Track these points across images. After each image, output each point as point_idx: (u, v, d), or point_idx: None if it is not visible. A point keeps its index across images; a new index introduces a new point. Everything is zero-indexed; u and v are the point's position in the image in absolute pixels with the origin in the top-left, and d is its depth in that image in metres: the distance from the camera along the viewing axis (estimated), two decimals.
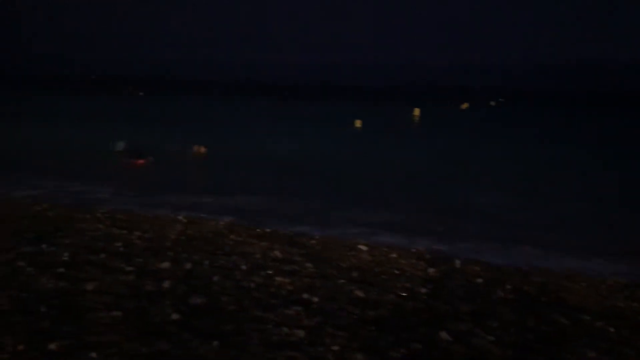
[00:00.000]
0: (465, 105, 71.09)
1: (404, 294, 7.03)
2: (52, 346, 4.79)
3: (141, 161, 20.45)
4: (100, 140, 25.45)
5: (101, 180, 16.82)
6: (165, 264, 7.60)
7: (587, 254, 10.56)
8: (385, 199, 15.78)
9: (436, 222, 12.76)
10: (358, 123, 40.76)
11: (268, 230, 10.82)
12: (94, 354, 4.70)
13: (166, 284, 6.74)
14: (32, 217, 10.33)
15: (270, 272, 7.64)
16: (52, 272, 6.93)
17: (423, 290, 7.34)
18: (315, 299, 6.62)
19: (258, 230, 10.70)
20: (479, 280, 7.98)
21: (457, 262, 8.91)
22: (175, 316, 5.67)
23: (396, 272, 8.20)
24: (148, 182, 17.45)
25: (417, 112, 59.88)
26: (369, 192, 16.86)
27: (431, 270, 8.35)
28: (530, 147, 30.96)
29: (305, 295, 6.71)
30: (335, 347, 5.21)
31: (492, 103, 78.15)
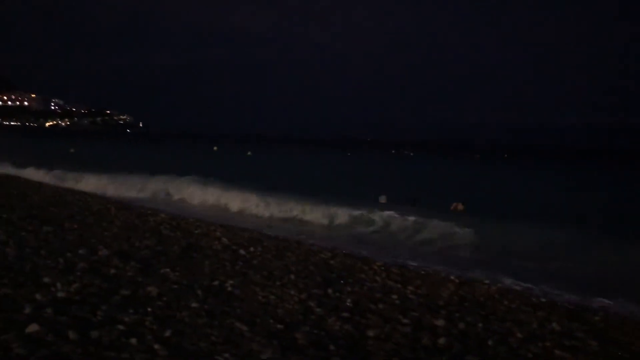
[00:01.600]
0: None
1: None
2: None
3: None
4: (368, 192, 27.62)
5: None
6: (440, 321, 7.74)
7: None
8: None
9: None
10: None
11: (544, 300, 10.24)
12: None
13: (442, 341, 6.86)
14: (317, 264, 11.45)
15: (548, 344, 7.23)
16: (338, 315, 7.61)
17: None
18: None
19: (533, 299, 10.21)
20: None
21: None
22: None
23: None
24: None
25: None
26: None
27: None
28: None
29: None
30: None
31: None
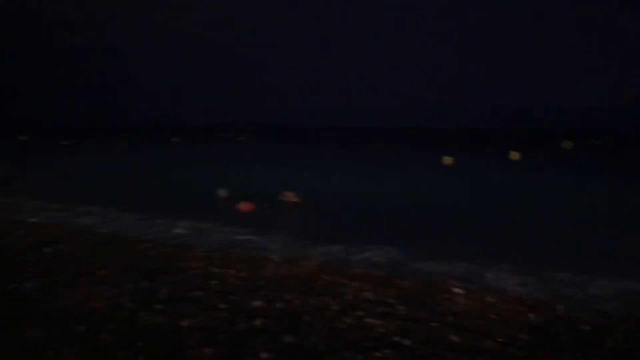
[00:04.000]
0: (568, 144, 67.61)
1: (502, 340, 6.65)
2: None
3: (248, 206, 20.70)
4: (208, 183, 26.50)
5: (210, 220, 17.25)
6: (258, 302, 7.68)
7: None
8: (485, 239, 15.18)
9: (547, 265, 12.13)
10: (448, 160, 39.00)
11: (360, 270, 10.69)
12: None
13: (258, 322, 6.80)
14: (135, 256, 10.83)
15: (361, 313, 7.51)
16: (151, 308, 7.20)
17: (523, 337, 6.91)
18: (407, 343, 6.41)
19: (350, 270, 10.61)
20: (586, 327, 7.41)
21: (561, 308, 8.33)
22: (265, 355, 5.68)
23: (493, 317, 7.80)
24: (249, 224, 17.67)
25: (516, 155, 56.71)
26: (463, 231, 16.30)
27: (532, 316, 7.85)
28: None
29: (396, 338, 6.52)
30: None
31: (596, 142, 73.82)
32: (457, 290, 9.29)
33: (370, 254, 13.21)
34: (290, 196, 23.12)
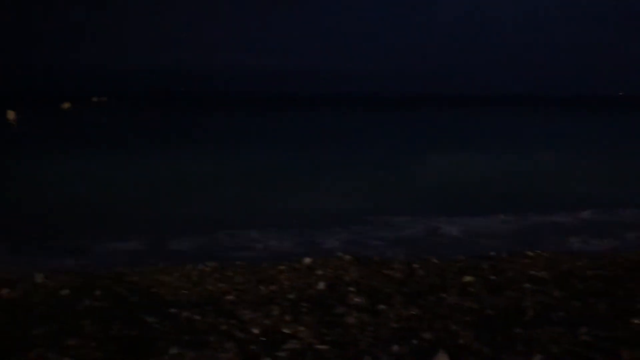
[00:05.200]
0: (67, 105, 67.40)
1: None
2: None
3: None
4: None
5: None
6: None
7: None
8: None
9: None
10: None
11: None
12: None
13: None
14: None
15: None
16: None
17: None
18: None
19: None
20: (65, 292, 7.10)
21: (39, 276, 7.78)
22: None
23: None
24: None
25: (12, 115, 52.61)
26: None
27: (5, 292, 7.07)
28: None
29: None
30: None
31: (95, 99, 76.45)
32: None
33: None
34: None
